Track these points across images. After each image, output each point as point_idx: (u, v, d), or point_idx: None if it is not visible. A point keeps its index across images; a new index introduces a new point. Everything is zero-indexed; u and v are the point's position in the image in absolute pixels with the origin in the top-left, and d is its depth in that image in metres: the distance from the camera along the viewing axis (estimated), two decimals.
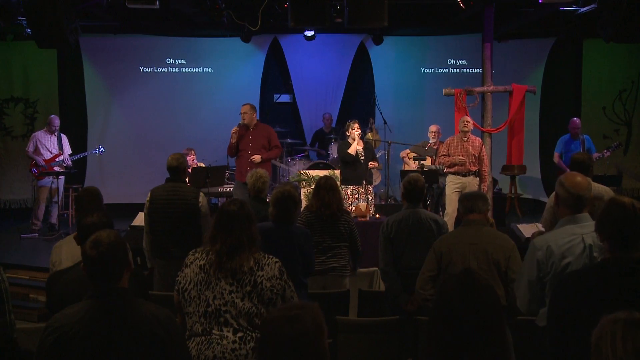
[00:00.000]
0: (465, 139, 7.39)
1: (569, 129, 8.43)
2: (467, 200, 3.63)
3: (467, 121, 7.44)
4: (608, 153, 8.38)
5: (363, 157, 7.03)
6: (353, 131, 6.96)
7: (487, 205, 3.66)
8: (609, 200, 2.30)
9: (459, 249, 3.47)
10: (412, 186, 4.27)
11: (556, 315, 2.26)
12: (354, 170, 6.85)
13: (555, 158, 8.50)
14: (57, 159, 8.36)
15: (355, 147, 6.92)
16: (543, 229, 5.09)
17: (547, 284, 2.75)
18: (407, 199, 4.31)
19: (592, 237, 2.73)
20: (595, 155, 8.13)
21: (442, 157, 7.53)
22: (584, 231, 2.76)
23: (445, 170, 7.48)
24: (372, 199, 6.82)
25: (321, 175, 6.10)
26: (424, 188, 4.34)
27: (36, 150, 8.28)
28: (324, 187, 4.50)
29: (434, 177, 7.73)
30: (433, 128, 8.51)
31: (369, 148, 7.19)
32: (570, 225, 2.80)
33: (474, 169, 7.33)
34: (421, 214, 4.27)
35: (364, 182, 6.73)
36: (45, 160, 8.28)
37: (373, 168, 7.21)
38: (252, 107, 7.14)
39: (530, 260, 2.82)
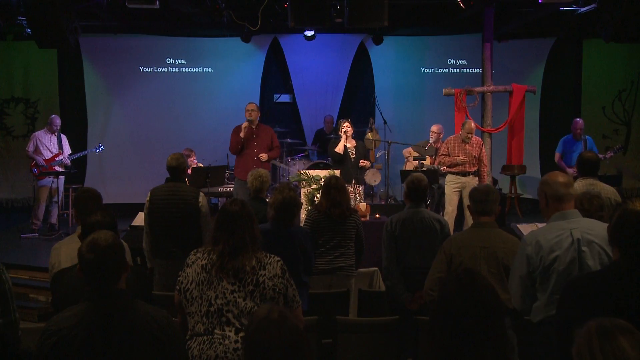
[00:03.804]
0: (467, 141, 7.44)
1: (571, 129, 8.39)
2: (479, 202, 3.58)
3: (472, 129, 7.40)
4: (611, 154, 8.35)
5: (354, 156, 7.10)
6: (341, 129, 7.05)
7: (497, 204, 3.65)
8: (623, 208, 2.28)
9: (469, 251, 3.47)
10: (415, 185, 4.28)
11: (564, 317, 2.26)
12: (342, 168, 6.88)
13: (556, 158, 8.48)
14: (57, 159, 8.36)
15: (343, 144, 7.00)
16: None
17: (537, 279, 2.80)
18: (410, 198, 4.32)
19: (580, 232, 2.77)
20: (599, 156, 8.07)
21: (443, 156, 7.56)
22: (572, 226, 2.80)
23: (445, 169, 7.51)
24: (360, 198, 6.83)
25: (321, 175, 6.10)
26: (427, 188, 4.35)
27: (36, 150, 8.28)
28: (335, 187, 4.51)
29: (434, 177, 7.74)
30: (435, 129, 8.47)
31: (360, 147, 7.23)
32: (559, 221, 2.84)
33: (472, 169, 7.35)
34: (424, 213, 4.28)
35: (353, 181, 6.75)
36: (45, 159, 8.28)
37: (365, 167, 7.25)
38: (258, 107, 7.36)
39: (520, 256, 2.88)
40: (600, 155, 8.21)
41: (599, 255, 2.72)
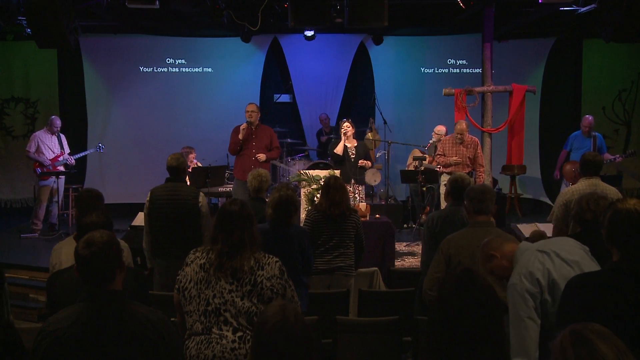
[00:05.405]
0: (460, 142, 7.45)
1: (580, 126, 8.33)
2: (476, 201, 3.58)
3: (462, 130, 7.42)
4: (620, 159, 8.28)
5: (354, 156, 7.11)
6: (342, 129, 7.10)
7: (494, 203, 3.65)
8: (614, 208, 2.23)
9: (468, 251, 3.46)
10: (459, 184, 4.30)
11: (565, 319, 2.24)
12: (341, 168, 6.90)
13: (562, 155, 8.38)
14: (59, 159, 8.37)
15: (342, 145, 7.03)
16: (542, 229, 5.11)
17: (548, 300, 2.58)
18: (453, 196, 4.35)
19: (538, 245, 2.69)
20: (607, 156, 8.00)
21: (439, 156, 7.63)
22: (532, 247, 2.69)
23: (441, 169, 7.55)
24: (360, 198, 6.84)
25: (321, 175, 6.09)
26: (469, 186, 4.35)
27: (38, 149, 8.27)
28: (334, 187, 4.52)
29: (433, 177, 7.76)
30: (440, 129, 8.45)
31: (360, 147, 7.24)
32: (520, 256, 2.70)
33: (466, 170, 7.37)
34: (465, 212, 4.28)
35: (352, 181, 6.75)
36: (49, 159, 8.28)
37: (366, 167, 7.26)
38: (258, 107, 7.34)
39: (519, 298, 2.57)
40: (611, 157, 8.18)
41: (569, 245, 2.70)
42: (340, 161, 7.12)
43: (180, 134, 9.89)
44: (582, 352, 1.45)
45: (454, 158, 7.39)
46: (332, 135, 9.54)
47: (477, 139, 7.69)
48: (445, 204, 7.28)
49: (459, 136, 7.41)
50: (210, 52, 10.29)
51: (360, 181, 7.12)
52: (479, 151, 7.52)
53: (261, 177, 4.84)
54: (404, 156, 9.63)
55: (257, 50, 10.32)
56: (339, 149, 7.11)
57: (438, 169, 7.71)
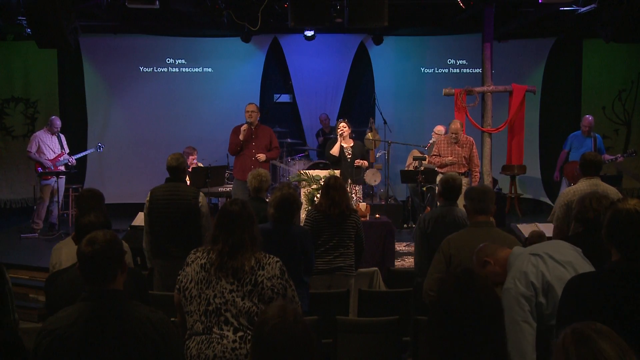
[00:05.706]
0: (455, 141, 7.46)
1: (580, 126, 8.33)
2: (477, 201, 3.58)
3: (457, 129, 7.43)
4: (621, 159, 8.27)
5: (350, 156, 7.11)
6: (338, 130, 7.12)
7: (494, 203, 3.66)
8: (614, 208, 2.23)
9: (468, 251, 3.45)
10: (450, 185, 4.29)
11: (565, 319, 2.24)
12: (338, 169, 6.90)
13: (562, 155, 8.35)
14: (60, 159, 8.37)
15: (338, 146, 7.03)
16: (542, 229, 5.12)
17: (544, 302, 2.56)
18: (444, 196, 4.34)
19: (531, 249, 2.69)
20: (607, 157, 7.99)
21: (434, 157, 7.64)
22: (525, 251, 2.70)
23: (438, 170, 7.57)
24: (357, 198, 6.84)
25: (321, 175, 6.10)
26: (461, 187, 4.35)
27: (39, 150, 8.27)
28: (334, 187, 4.52)
29: (433, 177, 7.77)
30: (440, 129, 8.48)
31: (357, 147, 7.24)
32: (514, 261, 2.69)
33: (462, 170, 7.37)
34: (457, 212, 4.27)
35: (349, 181, 6.76)
36: (50, 159, 8.28)
37: (362, 167, 7.26)
38: (258, 107, 7.35)
39: (514, 302, 2.54)
40: (612, 157, 8.17)
41: (561, 247, 2.71)
42: (336, 162, 7.11)
43: (180, 134, 9.89)
44: (585, 351, 1.45)
45: (450, 158, 7.41)
46: (331, 135, 9.55)
47: (472, 138, 7.70)
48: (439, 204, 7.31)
49: (453, 136, 7.42)
50: (210, 52, 10.30)
51: (358, 181, 7.12)
52: (474, 151, 7.53)
53: (261, 177, 4.84)
54: (404, 156, 9.63)
55: (257, 50, 10.32)
56: (335, 150, 7.11)
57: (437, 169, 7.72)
